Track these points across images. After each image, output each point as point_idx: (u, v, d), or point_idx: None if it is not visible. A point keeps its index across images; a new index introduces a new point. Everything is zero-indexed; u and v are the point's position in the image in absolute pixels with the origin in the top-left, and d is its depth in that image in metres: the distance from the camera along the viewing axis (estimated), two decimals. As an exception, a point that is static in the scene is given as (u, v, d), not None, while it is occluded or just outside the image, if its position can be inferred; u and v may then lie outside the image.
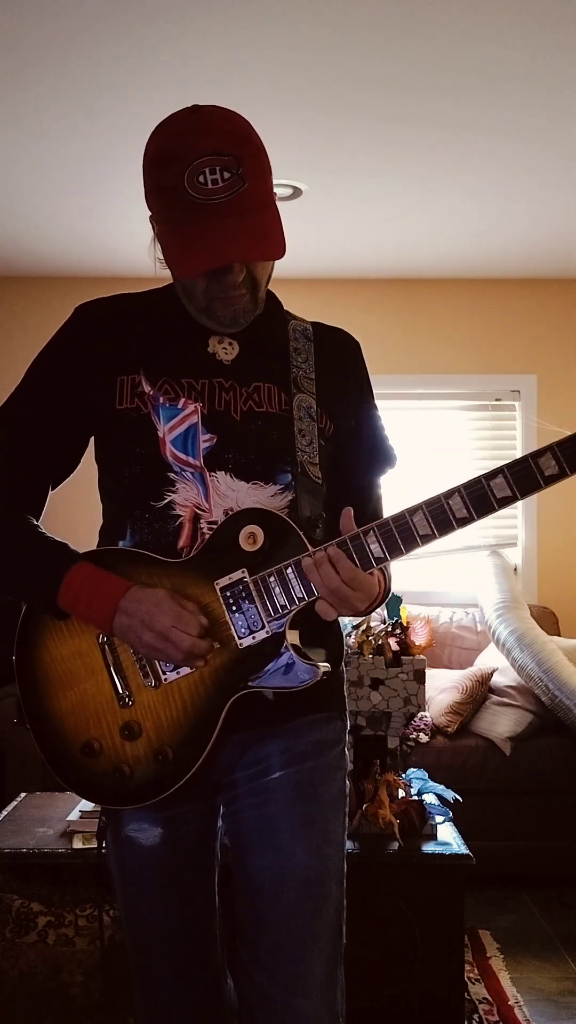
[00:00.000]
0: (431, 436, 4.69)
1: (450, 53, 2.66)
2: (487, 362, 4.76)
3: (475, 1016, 2.54)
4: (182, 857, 1.43)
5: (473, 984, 2.72)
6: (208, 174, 1.25)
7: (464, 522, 1.26)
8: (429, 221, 3.98)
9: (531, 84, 2.83)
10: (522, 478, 1.23)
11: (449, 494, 1.26)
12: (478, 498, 1.25)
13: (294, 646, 1.32)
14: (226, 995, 1.50)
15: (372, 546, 1.28)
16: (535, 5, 2.43)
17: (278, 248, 1.29)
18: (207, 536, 1.36)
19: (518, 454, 4.66)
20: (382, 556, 1.28)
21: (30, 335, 4.77)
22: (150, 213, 1.38)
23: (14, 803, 2.75)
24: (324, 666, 1.32)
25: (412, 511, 1.27)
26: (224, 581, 1.33)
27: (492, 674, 3.79)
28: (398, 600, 2.60)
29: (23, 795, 2.83)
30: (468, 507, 1.25)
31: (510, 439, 4.77)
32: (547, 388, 4.75)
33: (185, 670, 1.34)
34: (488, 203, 3.78)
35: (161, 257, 1.41)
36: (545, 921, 3.21)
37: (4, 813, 2.65)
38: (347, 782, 1.48)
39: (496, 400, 4.77)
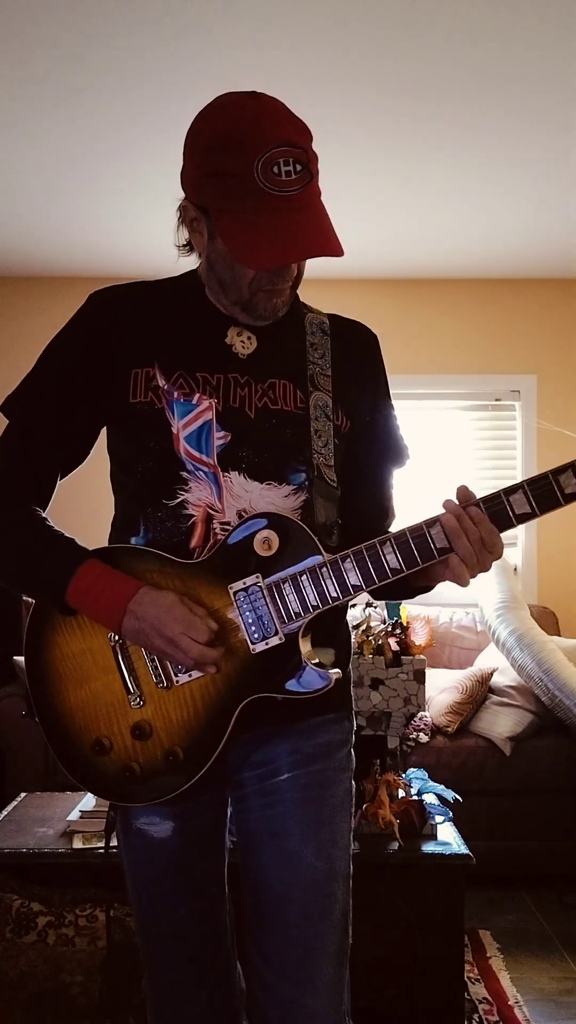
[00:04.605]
0: (431, 436, 4.69)
1: (450, 53, 2.66)
2: (487, 362, 4.76)
3: (475, 1016, 2.54)
4: (194, 847, 1.43)
5: (473, 984, 2.72)
6: (282, 165, 1.23)
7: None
8: (429, 221, 3.98)
9: (532, 85, 2.83)
10: None
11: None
12: None
13: (307, 653, 1.32)
14: (236, 980, 1.51)
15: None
16: (537, 5, 2.43)
17: (340, 246, 1.28)
18: (220, 537, 1.35)
19: (518, 454, 4.70)
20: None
21: (29, 335, 4.78)
22: (184, 196, 1.35)
23: (14, 803, 2.75)
24: (335, 672, 1.32)
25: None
26: (238, 585, 1.32)
27: (492, 674, 3.79)
28: (398, 600, 2.60)
29: (23, 795, 2.83)
30: None
31: (510, 439, 4.77)
32: (547, 388, 4.75)
33: (197, 673, 1.34)
34: (488, 203, 3.78)
35: (183, 244, 1.40)
36: (545, 921, 3.20)
37: (4, 813, 2.65)
38: (353, 782, 1.48)
39: (496, 400, 4.77)
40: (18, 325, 4.74)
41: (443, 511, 1.29)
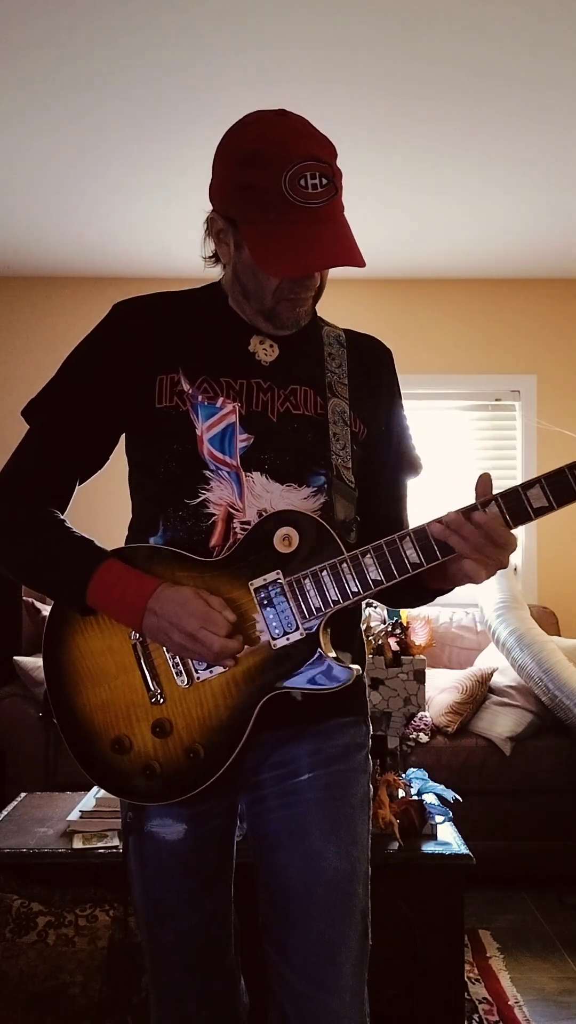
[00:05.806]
0: (431, 436, 4.69)
1: (450, 53, 2.66)
2: (487, 362, 4.76)
3: (475, 1016, 2.54)
4: (204, 853, 1.44)
5: (473, 984, 2.72)
6: (309, 179, 1.28)
7: None
8: (429, 221, 3.99)
9: (532, 85, 2.83)
10: None
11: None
12: None
13: (327, 648, 1.33)
14: (239, 991, 1.51)
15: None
16: (537, 5, 2.43)
17: (361, 257, 1.32)
18: (240, 536, 1.37)
19: (518, 454, 4.70)
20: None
21: (29, 335, 4.79)
22: (212, 209, 1.39)
23: (14, 803, 2.75)
24: (356, 668, 1.33)
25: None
26: (258, 582, 1.34)
27: (492, 674, 3.79)
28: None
29: (23, 795, 2.83)
30: None
31: (510, 439, 4.77)
32: (547, 388, 4.75)
33: (218, 669, 1.35)
34: (488, 203, 3.78)
35: (210, 255, 1.44)
36: (545, 921, 3.20)
37: (4, 813, 2.65)
38: (370, 785, 1.49)
39: (496, 400, 4.77)
40: (18, 325, 4.74)
41: (450, 511, 1.30)
